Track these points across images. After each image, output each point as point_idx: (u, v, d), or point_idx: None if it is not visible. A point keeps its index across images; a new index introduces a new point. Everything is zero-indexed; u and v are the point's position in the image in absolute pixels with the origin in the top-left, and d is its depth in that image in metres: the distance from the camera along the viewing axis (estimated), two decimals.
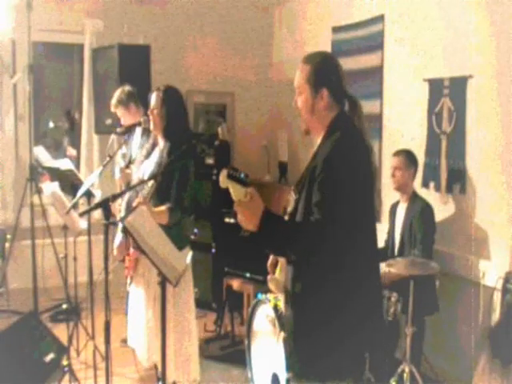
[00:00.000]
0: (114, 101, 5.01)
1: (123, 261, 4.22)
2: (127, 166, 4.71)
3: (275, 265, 2.87)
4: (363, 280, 2.55)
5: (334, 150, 2.51)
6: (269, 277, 2.86)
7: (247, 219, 2.40)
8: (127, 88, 5.05)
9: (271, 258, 2.91)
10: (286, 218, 2.69)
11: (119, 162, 4.88)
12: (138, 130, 4.79)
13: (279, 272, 2.82)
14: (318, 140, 2.71)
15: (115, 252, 4.31)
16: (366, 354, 2.70)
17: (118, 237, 4.32)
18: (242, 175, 2.42)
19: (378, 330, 2.72)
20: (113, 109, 5.03)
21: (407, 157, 4.65)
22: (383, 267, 4.34)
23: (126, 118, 4.99)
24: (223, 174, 2.40)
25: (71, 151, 7.33)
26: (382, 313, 3.25)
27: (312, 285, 2.53)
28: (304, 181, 2.60)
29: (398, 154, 4.70)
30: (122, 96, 5.00)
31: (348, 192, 2.44)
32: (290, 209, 2.71)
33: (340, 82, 2.75)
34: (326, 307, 2.51)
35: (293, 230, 2.47)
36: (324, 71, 2.70)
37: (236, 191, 2.41)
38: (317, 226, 2.42)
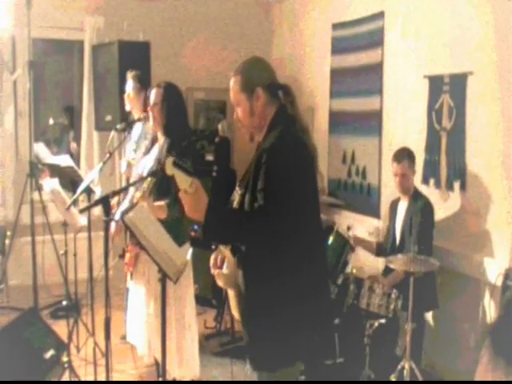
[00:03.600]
0: (132, 72, 5.10)
1: (123, 257, 4.22)
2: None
3: (222, 261, 2.91)
4: (309, 265, 2.69)
5: (277, 142, 2.67)
6: (216, 272, 2.89)
7: (192, 209, 2.55)
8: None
9: (213, 255, 2.96)
10: None
11: (127, 155, 4.90)
12: (138, 124, 4.82)
13: (226, 267, 2.84)
14: (261, 137, 2.83)
15: (112, 229, 4.28)
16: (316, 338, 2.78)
17: (117, 216, 4.29)
18: (188, 165, 2.51)
19: (326, 312, 2.85)
20: (128, 77, 5.09)
21: (409, 159, 4.61)
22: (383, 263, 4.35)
23: (132, 92, 5.03)
24: (169, 161, 2.49)
25: (75, 145, 7.33)
26: (329, 294, 3.39)
27: (261, 277, 2.67)
28: (249, 175, 2.73)
29: (399, 159, 4.61)
30: (139, 73, 5.12)
31: (290, 178, 2.60)
32: (235, 204, 2.81)
33: (271, 77, 2.87)
34: (275, 297, 2.63)
35: (238, 218, 2.64)
36: (253, 72, 2.84)
37: (181, 180, 2.51)
38: (260, 211, 2.57)
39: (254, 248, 2.65)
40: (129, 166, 4.72)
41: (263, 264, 2.64)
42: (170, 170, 2.51)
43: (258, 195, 2.58)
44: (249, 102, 2.78)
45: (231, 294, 2.88)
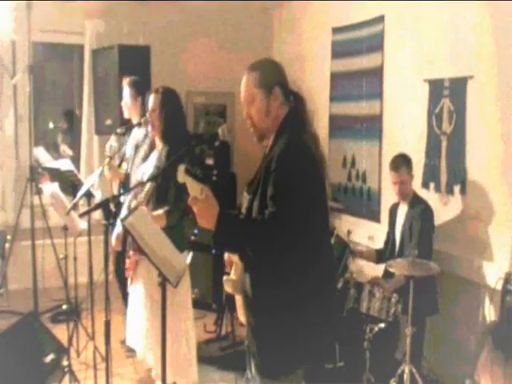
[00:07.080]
0: (127, 78, 5.05)
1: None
2: (119, 165, 4.73)
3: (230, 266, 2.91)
4: (316, 270, 2.66)
5: (285, 149, 2.62)
6: (224, 278, 2.88)
7: (203, 217, 2.53)
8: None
9: (226, 259, 2.96)
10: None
11: (127, 156, 4.88)
12: (135, 130, 4.82)
13: (234, 272, 2.83)
14: (270, 141, 2.79)
15: (113, 242, 4.29)
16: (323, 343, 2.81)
17: (117, 227, 4.30)
18: (198, 172, 2.50)
19: (332, 315, 2.85)
20: (124, 83, 5.04)
21: (407, 165, 4.59)
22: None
23: (129, 99, 5.00)
24: (181, 169, 2.49)
25: (67, 150, 7.32)
26: (334, 298, 3.41)
27: (268, 283, 2.64)
28: (259, 179, 2.70)
29: (397, 167, 4.59)
30: (135, 79, 5.05)
31: (300, 185, 2.56)
32: (243, 209, 2.79)
33: (286, 80, 2.83)
34: (282, 302, 2.61)
35: (249, 226, 2.61)
36: (272, 71, 2.79)
37: (193, 187, 2.51)
38: (272, 217, 2.53)
39: (263, 254, 2.62)
40: (112, 168, 4.69)
41: (270, 270, 2.61)
42: (181, 177, 2.50)
43: (268, 202, 2.56)
44: (266, 100, 2.72)
45: (238, 299, 2.87)
